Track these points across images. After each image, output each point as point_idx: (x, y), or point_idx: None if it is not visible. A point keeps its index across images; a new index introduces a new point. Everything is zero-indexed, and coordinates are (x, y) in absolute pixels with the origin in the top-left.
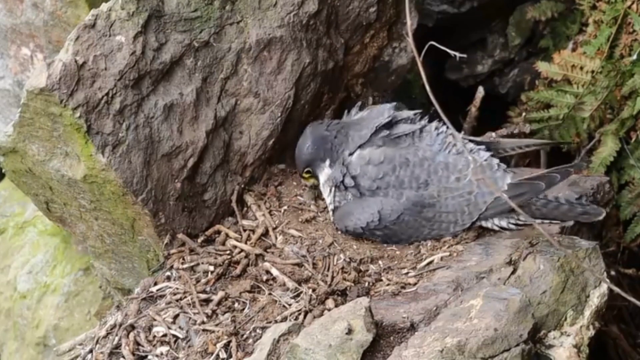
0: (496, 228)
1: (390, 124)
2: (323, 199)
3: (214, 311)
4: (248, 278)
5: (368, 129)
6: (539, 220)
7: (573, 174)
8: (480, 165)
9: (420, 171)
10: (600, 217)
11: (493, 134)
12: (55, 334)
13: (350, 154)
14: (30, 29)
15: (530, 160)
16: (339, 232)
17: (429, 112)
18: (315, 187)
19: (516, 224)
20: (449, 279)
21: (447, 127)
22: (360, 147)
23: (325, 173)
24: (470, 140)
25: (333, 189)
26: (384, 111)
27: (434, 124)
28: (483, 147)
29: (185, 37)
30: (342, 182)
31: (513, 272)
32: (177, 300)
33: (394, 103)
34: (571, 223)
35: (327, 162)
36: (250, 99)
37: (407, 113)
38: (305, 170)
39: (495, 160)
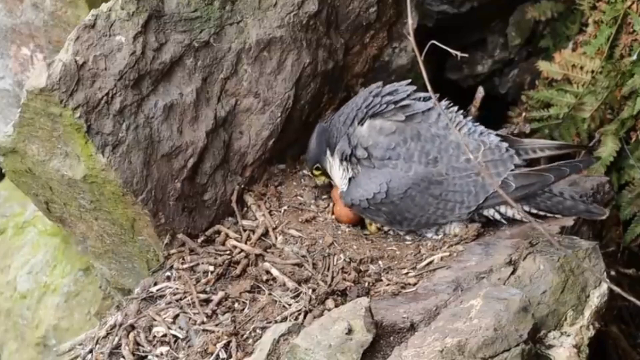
0: (498, 217)
1: (403, 102)
2: (324, 199)
3: (214, 311)
4: (248, 278)
5: (361, 98)
6: (542, 213)
7: (582, 168)
8: (489, 147)
9: (430, 147)
10: (604, 217)
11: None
12: (55, 334)
13: (360, 124)
14: (30, 29)
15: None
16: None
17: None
18: (326, 185)
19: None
20: (449, 279)
21: (457, 109)
22: (371, 117)
23: (329, 162)
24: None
25: (344, 163)
26: (373, 86)
27: (444, 103)
28: (492, 131)
29: (185, 37)
30: (353, 154)
31: (513, 272)
32: (177, 301)
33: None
34: (571, 222)
35: (328, 152)
36: (250, 99)
37: (420, 93)
38: (315, 166)
39: (504, 144)
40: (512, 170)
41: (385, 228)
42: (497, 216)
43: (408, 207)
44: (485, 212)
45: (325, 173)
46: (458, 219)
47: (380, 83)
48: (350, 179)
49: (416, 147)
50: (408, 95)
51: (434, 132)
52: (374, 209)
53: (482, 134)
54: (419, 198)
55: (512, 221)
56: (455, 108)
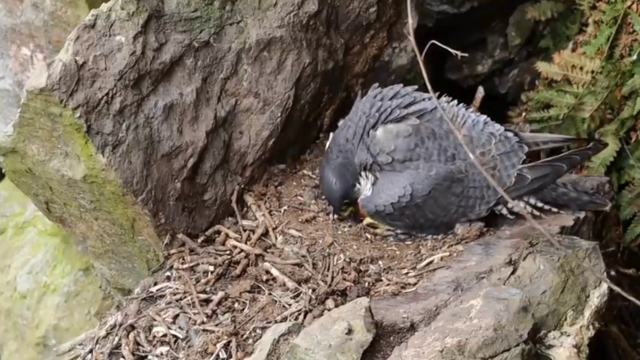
0: (505, 212)
1: (412, 106)
2: (324, 199)
3: (214, 311)
4: (248, 278)
5: (366, 105)
6: (547, 207)
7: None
8: (500, 140)
9: (447, 144)
10: (607, 208)
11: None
12: (55, 334)
13: (374, 129)
14: (30, 29)
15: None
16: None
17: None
18: (353, 213)
19: (536, 208)
20: (449, 279)
21: (457, 102)
22: (383, 123)
23: (358, 188)
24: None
25: (367, 174)
26: (375, 92)
27: (444, 99)
28: (494, 121)
29: (185, 37)
30: (375, 162)
31: (513, 272)
32: (177, 301)
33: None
34: (571, 222)
35: (355, 184)
36: (250, 99)
37: (423, 94)
38: (344, 203)
39: (510, 133)
40: (523, 160)
41: (397, 231)
42: (505, 211)
43: (431, 209)
44: (500, 208)
45: (351, 203)
46: (477, 217)
47: (376, 85)
48: (371, 186)
49: (434, 145)
50: (414, 98)
51: (446, 127)
52: (397, 213)
53: (487, 124)
54: (442, 198)
55: (518, 216)
56: (455, 102)
